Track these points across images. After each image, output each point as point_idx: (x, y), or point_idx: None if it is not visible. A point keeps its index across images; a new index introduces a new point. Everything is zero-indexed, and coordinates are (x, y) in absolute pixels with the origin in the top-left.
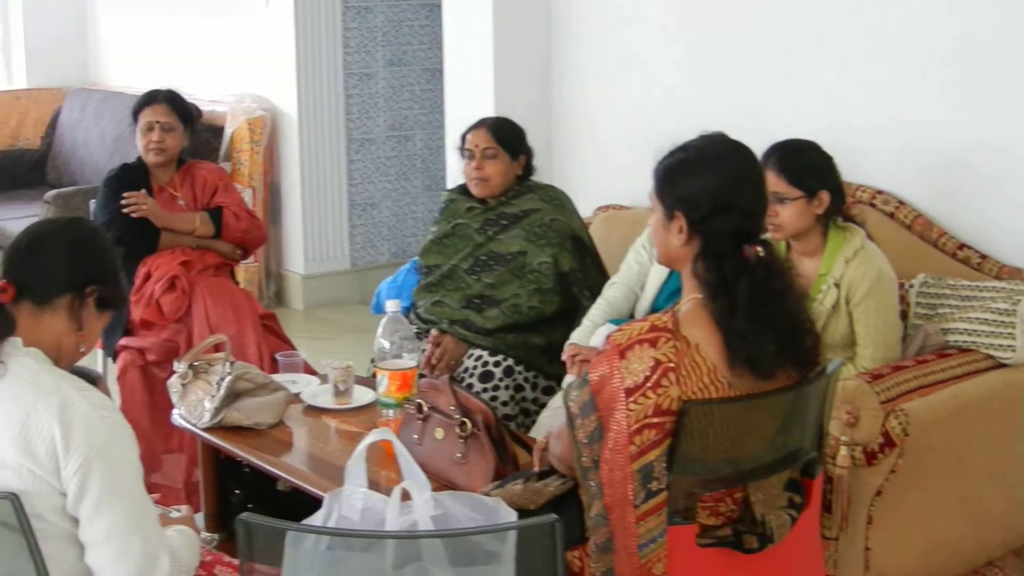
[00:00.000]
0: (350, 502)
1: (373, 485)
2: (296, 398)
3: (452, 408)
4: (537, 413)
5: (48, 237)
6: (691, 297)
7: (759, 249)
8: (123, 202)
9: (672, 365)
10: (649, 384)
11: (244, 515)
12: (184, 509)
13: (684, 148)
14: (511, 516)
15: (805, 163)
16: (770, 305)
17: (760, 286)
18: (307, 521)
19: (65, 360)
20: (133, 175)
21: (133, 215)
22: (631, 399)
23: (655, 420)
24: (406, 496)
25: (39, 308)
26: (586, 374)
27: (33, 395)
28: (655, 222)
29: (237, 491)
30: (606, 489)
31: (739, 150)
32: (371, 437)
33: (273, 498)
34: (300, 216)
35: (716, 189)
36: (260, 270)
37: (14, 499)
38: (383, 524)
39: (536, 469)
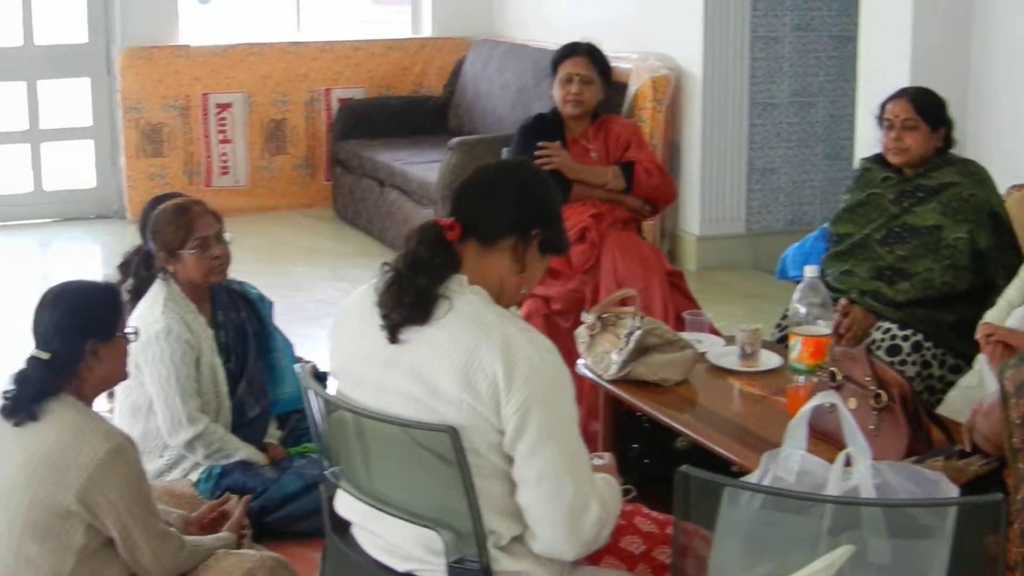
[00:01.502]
0: (787, 463)
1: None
2: (702, 357)
3: (867, 379)
4: (943, 392)
5: (498, 179)
6: None
7: None
8: (537, 152)
9: None
10: None
11: (684, 467)
12: (606, 456)
13: None
14: (953, 492)
15: None
16: None
17: None
18: (744, 479)
19: (506, 301)
20: (548, 125)
21: (545, 166)
22: None
23: None
24: (847, 462)
25: (484, 248)
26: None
27: (477, 333)
28: None
29: (635, 445)
30: None
31: None
32: (817, 399)
33: (671, 455)
34: (698, 177)
35: None
36: (655, 228)
37: (453, 433)
38: (819, 488)
39: (967, 448)
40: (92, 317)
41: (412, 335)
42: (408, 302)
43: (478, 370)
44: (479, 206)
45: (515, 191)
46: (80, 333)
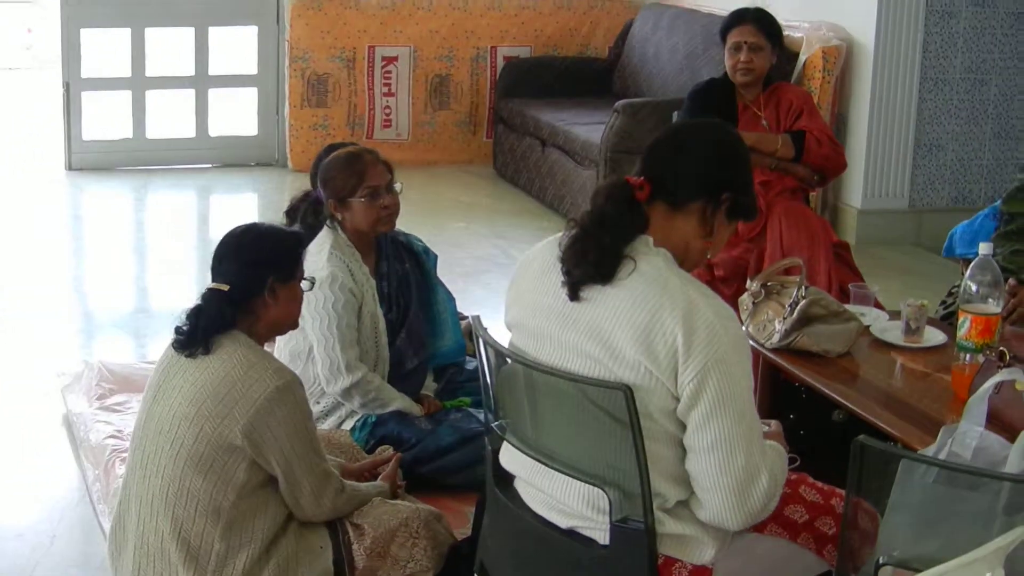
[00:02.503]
0: (964, 439)
1: None
2: (866, 331)
3: None
4: None
5: (691, 139)
6: None
7: None
8: None
9: None
10: None
11: (861, 437)
12: (773, 424)
13: None
14: None
15: None
16: None
17: None
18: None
19: (689, 264)
20: (719, 91)
21: None
22: None
23: None
24: None
25: (673, 209)
26: None
27: (659, 296)
28: None
29: (791, 416)
30: None
31: None
32: (1000, 376)
33: (827, 427)
34: (864, 150)
35: None
36: (817, 199)
37: (627, 392)
38: (995, 465)
39: None
40: (276, 254)
41: (593, 293)
42: (592, 260)
43: (658, 334)
44: (670, 166)
45: (708, 153)
46: (263, 267)
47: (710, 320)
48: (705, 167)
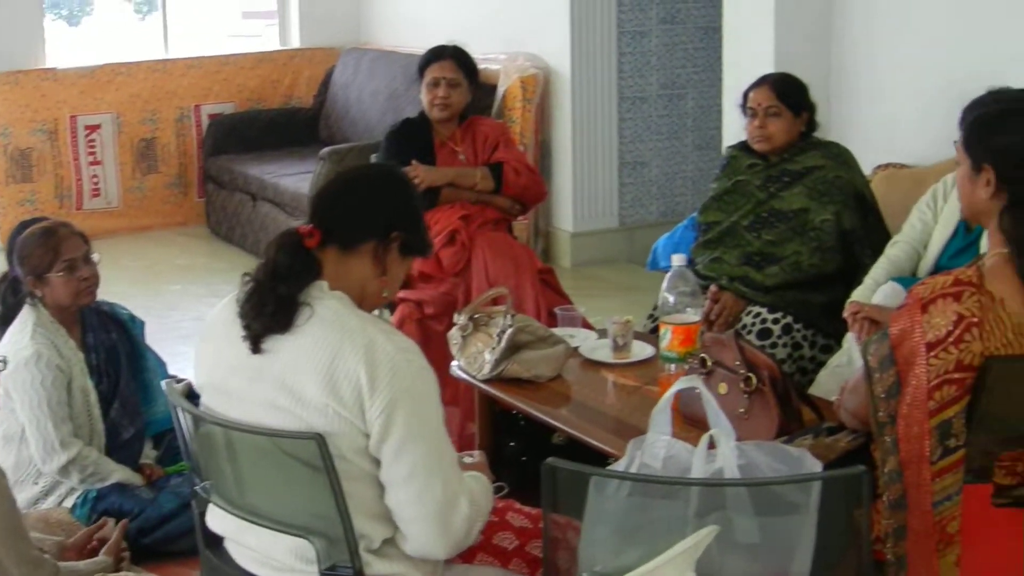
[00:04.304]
0: (652, 450)
1: None
2: (575, 352)
3: (737, 363)
4: (814, 372)
5: (355, 183)
6: (996, 252)
7: None
8: None
9: (975, 320)
10: (951, 339)
11: (550, 460)
12: (477, 455)
13: (996, 99)
14: (816, 467)
15: None
16: None
17: None
18: (610, 468)
19: (368, 305)
20: (415, 129)
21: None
22: (932, 354)
23: (956, 376)
24: (711, 444)
25: (345, 252)
26: (886, 328)
27: (339, 336)
28: (961, 174)
29: (512, 443)
30: (902, 445)
31: None
32: (679, 384)
33: (548, 451)
34: (570, 174)
35: None
36: (529, 227)
37: (320, 440)
38: (685, 472)
39: (848, 425)
40: None
41: (275, 344)
42: (269, 311)
43: (341, 374)
44: (337, 212)
45: (372, 195)
46: None
47: (391, 354)
48: (371, 209)
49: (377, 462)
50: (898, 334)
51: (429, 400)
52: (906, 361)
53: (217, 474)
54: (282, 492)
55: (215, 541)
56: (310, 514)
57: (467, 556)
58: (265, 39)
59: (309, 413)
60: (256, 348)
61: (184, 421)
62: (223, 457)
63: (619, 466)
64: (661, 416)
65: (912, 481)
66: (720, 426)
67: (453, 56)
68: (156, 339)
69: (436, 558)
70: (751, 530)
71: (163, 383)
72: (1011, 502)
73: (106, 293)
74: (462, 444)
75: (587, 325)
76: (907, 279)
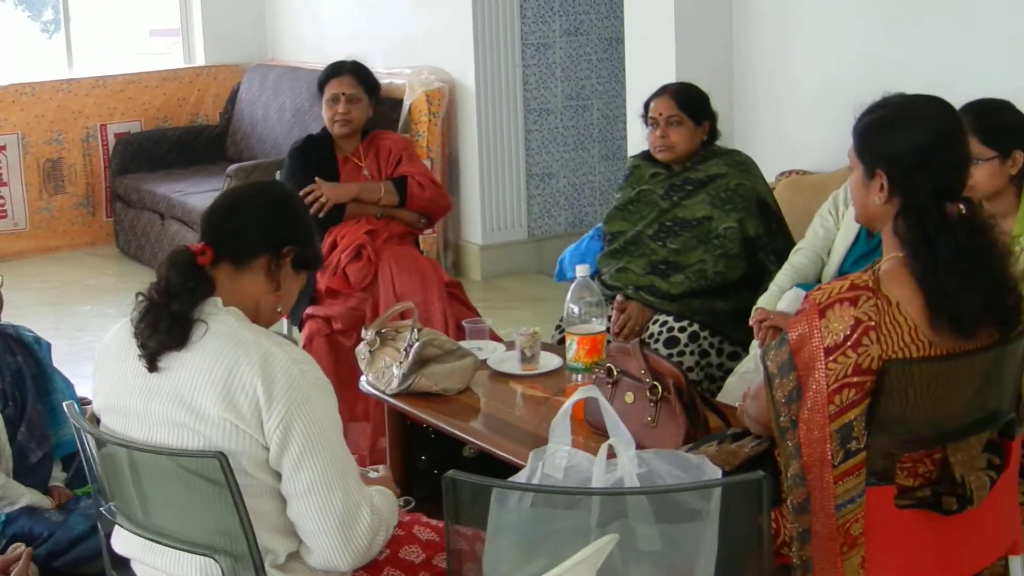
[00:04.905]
0: (554, 460)
1: None
2: (483, 364)
3: (643, 372)
4: (722, 379)
5: (245, 200)
6: (892, 256)
7: (961, 207)
8: (307, 200)
9: (872, 324)
10: (849, 343)
11: (450, 472)
12: (382, 469)
13: (884, 104)
14: (716, 473)
15: (999, 123)
16: (973, 262)
17: (962, 243)
18: (511, 479)
19: (263, 320)
20: (318, 146)
21: (319, 211)
22: (830, 358)
23: (855, 379)
24: (611, 453)
25: (237, 269)
26: (785, 333)
27: (234, 351)
28: (854, 180)
29: (423, 457)
30: (804, 449)
31: (942, 105)
32: (578, 395)
33: (459, 464)
34: (478, 187)
35: (919, 146)
36: (438, 241)
37: (221, 458)
38: (587, 482)
39: (753, 431)
40: None
41: (171, 361)
42: (164, 328)
43: (238, 387)
44: (227, 229)
45: (262, 211)
46: None
47: (287, 366)
48: (261, 225)
49: (278, 475)
50: (797, 339)
51: (326, 411)
52: (805, 366)
53: (122, 495)
54: (185, 510)
55: (122, 562)
56: (214, 531)
57: (373, 570)
58: (171, 57)
59: (208, 428)
60: (152, 366)
61: (88, 443)
62: (127, 478)
63: (521, 477)
64: (561, 426)
65: (815, 484)
66: (619, 435)
67: (352, 71)
68: (66, 360)
69: (340, 570)
70: (653, 538)
71: (64, 405)
72: (913, 503)
73: (16, 315)
74: (374, 459)
75: (495, 337)
76: (811, 285)
